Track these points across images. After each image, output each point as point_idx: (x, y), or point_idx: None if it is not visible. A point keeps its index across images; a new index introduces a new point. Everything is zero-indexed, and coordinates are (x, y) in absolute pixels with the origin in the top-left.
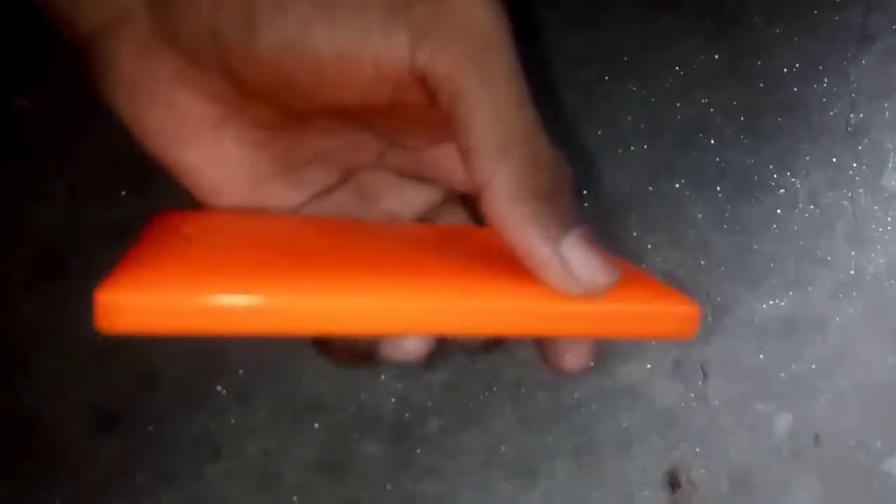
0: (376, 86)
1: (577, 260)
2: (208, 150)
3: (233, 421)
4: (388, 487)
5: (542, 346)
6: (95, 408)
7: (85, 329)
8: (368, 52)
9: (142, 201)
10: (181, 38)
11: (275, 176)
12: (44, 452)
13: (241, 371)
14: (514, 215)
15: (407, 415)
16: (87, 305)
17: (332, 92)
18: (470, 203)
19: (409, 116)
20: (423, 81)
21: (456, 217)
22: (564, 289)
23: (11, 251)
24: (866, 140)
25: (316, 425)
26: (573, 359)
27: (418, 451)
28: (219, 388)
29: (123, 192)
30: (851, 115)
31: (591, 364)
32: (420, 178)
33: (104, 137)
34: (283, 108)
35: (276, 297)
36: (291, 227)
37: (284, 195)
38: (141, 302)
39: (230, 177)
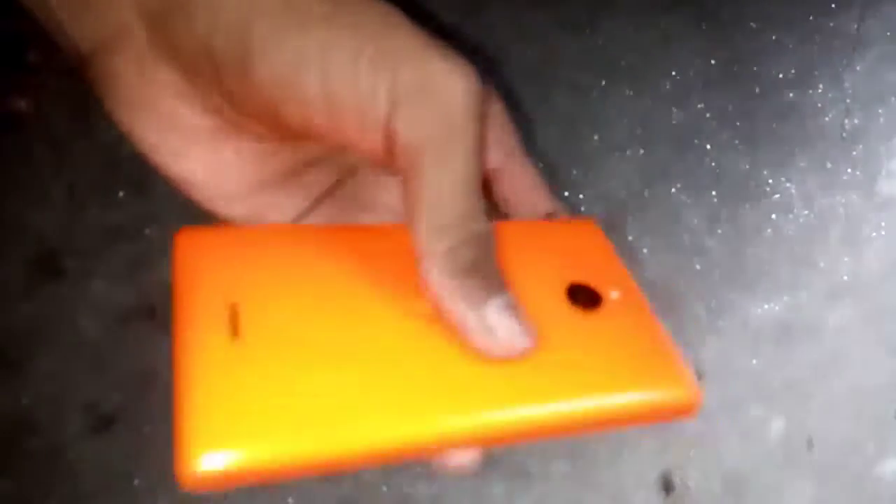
0: (360, 134)
1: (496, 325)
2: (208, 160)
3: None
4: (384, 489)
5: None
6: (93, 408)
7: (82, 329)
8: (355, 102)
9: (140, 202)
10: (179, 54)
11: (275, 182)
12: (41, 452)
13: None
14: (444, 288)
15: None
16: (84, 306)
17: (319, 129)
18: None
19: None
20: (389, 138)
21: None
22: (486, 352)
23: (9, 252)
24: (861, 146)
25: None
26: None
27: None
28: None
29: (122, 193)
30: (846, 121)
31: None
32: None
33: (102, 139)
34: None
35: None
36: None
37: (287, 200)
38: (223, 465)
39: (230, 185)
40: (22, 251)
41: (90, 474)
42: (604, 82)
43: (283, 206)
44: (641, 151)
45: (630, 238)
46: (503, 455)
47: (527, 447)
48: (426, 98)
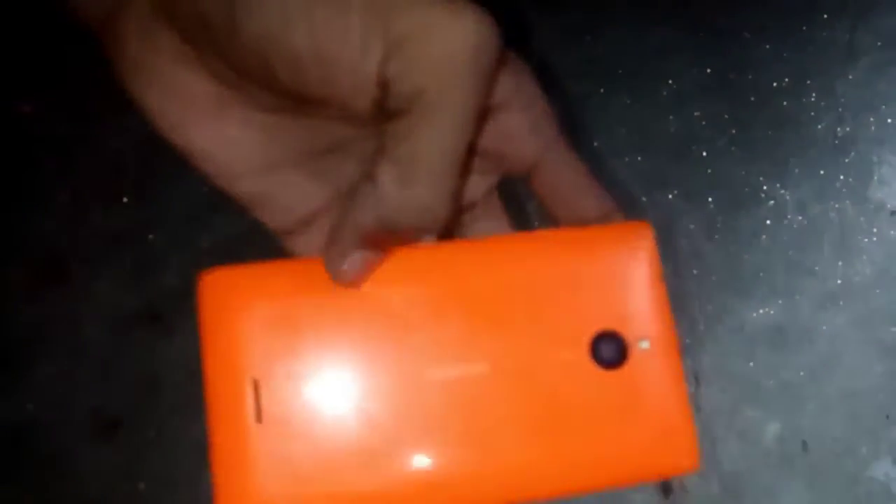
0: (353, 90)
1: (348, 262)
2: (214, 131)
3: None
4: None
5: None
6: (96, 413)
7: (86, 334)
8: (346, 57)
9: (144, 207)
10: (175, 17)
11: (291, 162)
12: (44, 458)
13: None
14: (363, 218)
15: None
16: (88, 311)
17: (313, 89)
18: (508, 194)
19: None
20: (384, 85)
21: (494, 215)
22: (328, 268)
23: (13, 256)
24: (853, 153)
25: None
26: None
27: None
28: None
29: (125, 199)
30: (838, 129)
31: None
32: None
33: (107, 143)
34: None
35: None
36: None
37: (300, 185)
38: None
39: (238, 160)
40: (25, 255)
41: (94, 480)
42: (601, 90)
43: (295, 191)
44: (639, 158)
45: None
46: None
47: None
48: (422, 46)
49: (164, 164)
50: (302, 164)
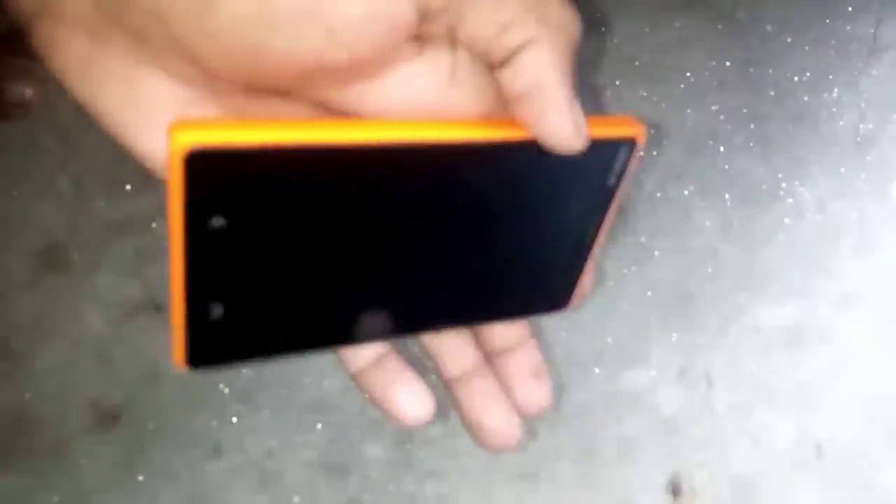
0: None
1: (580, 120)
2: None
3: (235, 420)
4: (390, 489)
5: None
6: (97, 404)
7: (87, 323)
8: (379, 6)
9: (147, 196)
10: (127, 19)
11: None
12: (44, 448)
13: (244, 370)
14: (557, 80)
15: None
16: (89, 299)
17: (300, 88)
18: None
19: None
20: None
21: None
22: (569, 143)
23: (15, 244)
24: (875, 151)
25: (318, 426)
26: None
27: (421, 453)
28: (221, 386)
29: (128, 187)
30: (860, 126)
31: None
32: None
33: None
34: (253, 86)
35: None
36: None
37: None
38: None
39: None
40: (27, 243)
41: (94, 470)
42: (618, 82)
43: None
44: (654, 153)
45: (642, 240)
46: (510, 457)
47: (535, 450)
48: None
49: None
50: None
